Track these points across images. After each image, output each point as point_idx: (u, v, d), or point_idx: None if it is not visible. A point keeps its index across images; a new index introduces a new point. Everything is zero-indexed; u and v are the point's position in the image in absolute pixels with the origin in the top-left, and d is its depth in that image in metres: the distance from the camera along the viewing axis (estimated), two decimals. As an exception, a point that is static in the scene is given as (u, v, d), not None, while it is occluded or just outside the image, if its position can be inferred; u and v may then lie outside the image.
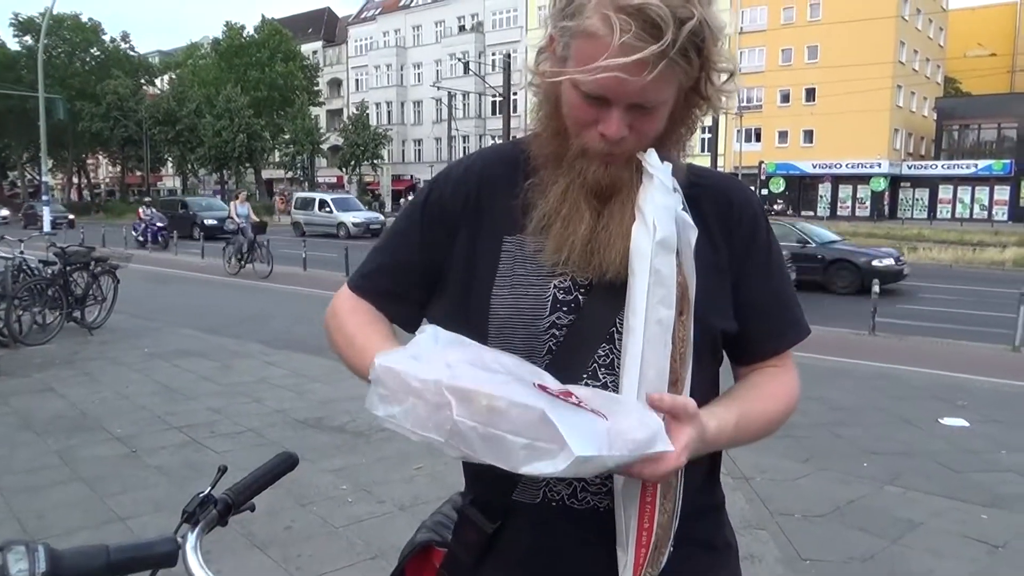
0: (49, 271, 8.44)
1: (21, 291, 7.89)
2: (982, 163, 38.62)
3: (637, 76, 0.87)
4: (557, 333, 0.99)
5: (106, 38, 57.93)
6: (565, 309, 0.99)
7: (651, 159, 0.95)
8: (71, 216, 36.15)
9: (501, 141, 1.37)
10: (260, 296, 12.55)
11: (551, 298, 1.00)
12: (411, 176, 56.76)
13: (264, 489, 1.02)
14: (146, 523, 3.70)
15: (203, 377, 6.79)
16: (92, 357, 7.57)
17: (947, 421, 5.56)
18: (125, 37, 59.70)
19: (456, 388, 0.79)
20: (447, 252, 1.08)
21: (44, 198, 26.39)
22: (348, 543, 3.48)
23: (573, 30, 0.91)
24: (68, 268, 8.48)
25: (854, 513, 3.82)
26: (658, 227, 0.91)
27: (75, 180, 67.36)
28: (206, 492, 0.94)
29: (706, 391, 1.05)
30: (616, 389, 0.92)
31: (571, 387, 0.85)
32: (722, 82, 0.97)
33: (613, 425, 0.80)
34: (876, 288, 9.84)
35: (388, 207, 48.87)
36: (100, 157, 69.71)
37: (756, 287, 1.08)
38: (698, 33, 0.87)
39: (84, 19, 55.92)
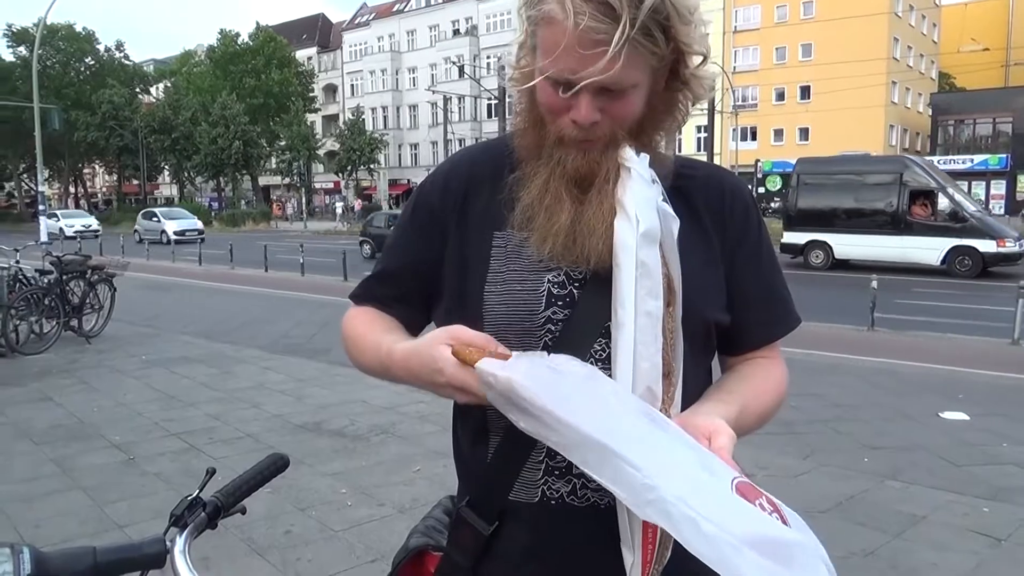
0: (45, 280, 8.40)
1: (17, 301, 7.87)
2: (978, 158, 38.60)
3: (597, 61, 0.86)
4: (553, 328, 0.98)
5: (100, 47, 57.96)
6: (560, 304, 0.98)
7: (626, 153, 0.95)
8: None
9: (494, 139, 1.37)
10: (256, 302, 12.54)
11: (545, 292, 0.99)
12: (408, 180, 56.68)
13: (254, 491, 1.00)
14: (144, 530, 3.67)
15: (201, 383, 6.76)
16: (90, 365, 7.54)
17: (947, 415, 5.55)
18: (120, 46, 59.51)
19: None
20: (439, 253, 1.08)
21: (40, 207, 26.35)
22: (348, 546, 3.47)
23: (535, 18, 0.91)
24: (64, 277, 8.45)
25: (855, 508, 3.81)
26: (640, 219, 0.91)
27: (72, 189, 67.34)
28: (194, 495, 0.93)
29: (700, 383, 1.05)
30: None
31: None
32: (695, 66, 0.96)
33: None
34: (874, 284, 9.83)
35: (385, 208, 48.75)
36: (96, 166, 69.71)
37: (748, 278, 1.07)
38: (660, 11, 0.86)
39: (78, 28, 55.97)
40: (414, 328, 1.13)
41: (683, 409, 0.95)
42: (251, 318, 10.66)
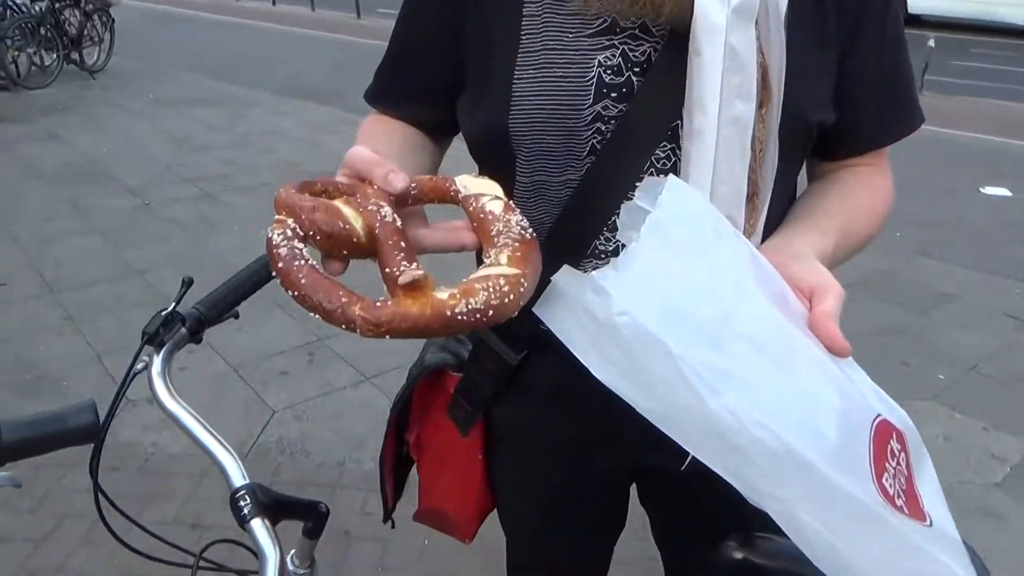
0: (37, 8, 7.97)
1: (11, 30, 7.50)
2: None
3: None
4: (603, 128, 0.73)
5: None
6: (614, 96, 0.73)
7: None
8: None
9: None
10: (262, 38, 11.81)
11: (595, 80, 0.73)
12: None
13: (244, 299, 0.84)
14: (163, 276, 3.68)
15: (211, 126, 6.54)
16: (96, 103, 7.29)
17: (989, 190, 5.29)
18: None
19: None
20: (461, 30, 0.80)
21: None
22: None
23: None
24: (57, 5, 7.99)
25: (882, 283, 3.73)
26: None
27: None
28: (170, 308, 0.77)
29: (786, 200, 0.83)
30: None
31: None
32: None
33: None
34: (931, 43, 9.02)
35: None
36: None
37: (868, 63, 0.79)
38: None
39: None
40: (442, 133, 0.90)
41: (764, 237, 0.75)
42: (259, 56, 10.08)
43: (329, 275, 0.53)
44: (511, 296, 0.52)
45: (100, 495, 0.75)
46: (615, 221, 0.75)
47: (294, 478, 2.36)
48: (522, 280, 0.54)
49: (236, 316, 0.87)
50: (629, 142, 0.73)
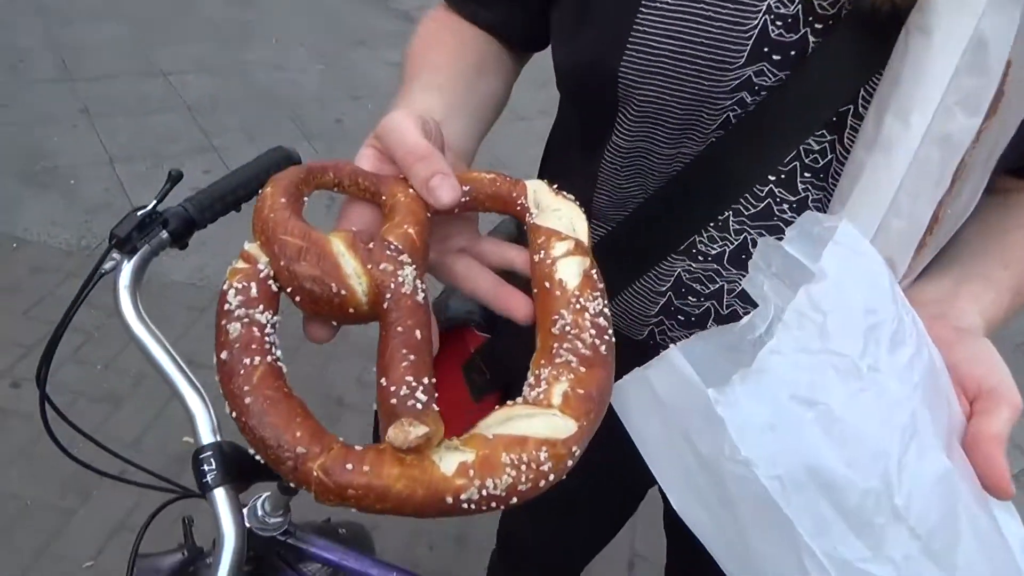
0: None
1: None
2: None
3: None
4: (748, 99, 0.53)
5: None
6: (777, 59, 0.52)
7: None
8: None
9: None
10: None
11: (757, 31, 0.51)
12: None
13: (249, 200, 0.68)
14: (188, 83, 3.47)
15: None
16: None
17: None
18: None
19: None
20: None
21: None
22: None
23: None
24: None
25: None
26: None
27: None
28: (149, 207, 0.61)
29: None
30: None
31: None
32: None
33: None
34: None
35: None
36: None
37: None
38: None
39: None
40: (528, 46, 0.69)
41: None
42: None
43: (289, 392, 0.36)
44: (551, 476, 0.35)
45: (48, 405, 0.64)
46: (728, 219, 0.57)
47: (289, 343, 2.28)
48: (574, 450, 0.36)
49: (238, 211, 0.72)
50: (777, 124, 0.53)
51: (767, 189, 0.56)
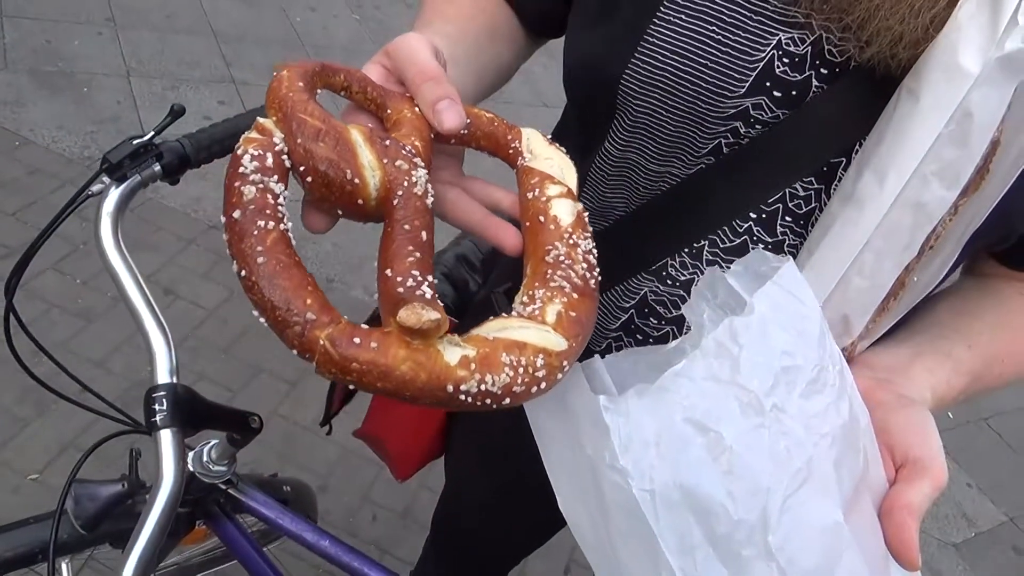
0: None
1: None
2: None
3: None
4: (742, 130, 0.53)
5: None
6: (777, 96, 0.51)
7: None
8: None
9: None
10: None
11: (763, 65, 0.51)
12: None
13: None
14: (220, 9, 3.43)
15: None
16: None
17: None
18: None
19: None
20: None
21: None
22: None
23: None
24: None
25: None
26: (1020, 21, 0.41)
27: None
28: (146, 137, 0.60)
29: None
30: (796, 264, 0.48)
31: None
32: None
33: None
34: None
35: None
36: None
37: None
38: None
39: None
40: (542, 30, 0.68)
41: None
42: None
43: (300, 262, 0.35)
44: (543, 384, 0.36)
45: (13, 316, 0.63)
46: (703, 248, 0.57)
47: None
48: (564, 364, 0.37)
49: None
50: (767, 162, 0.53)
51: (746, 226, 0.56)
